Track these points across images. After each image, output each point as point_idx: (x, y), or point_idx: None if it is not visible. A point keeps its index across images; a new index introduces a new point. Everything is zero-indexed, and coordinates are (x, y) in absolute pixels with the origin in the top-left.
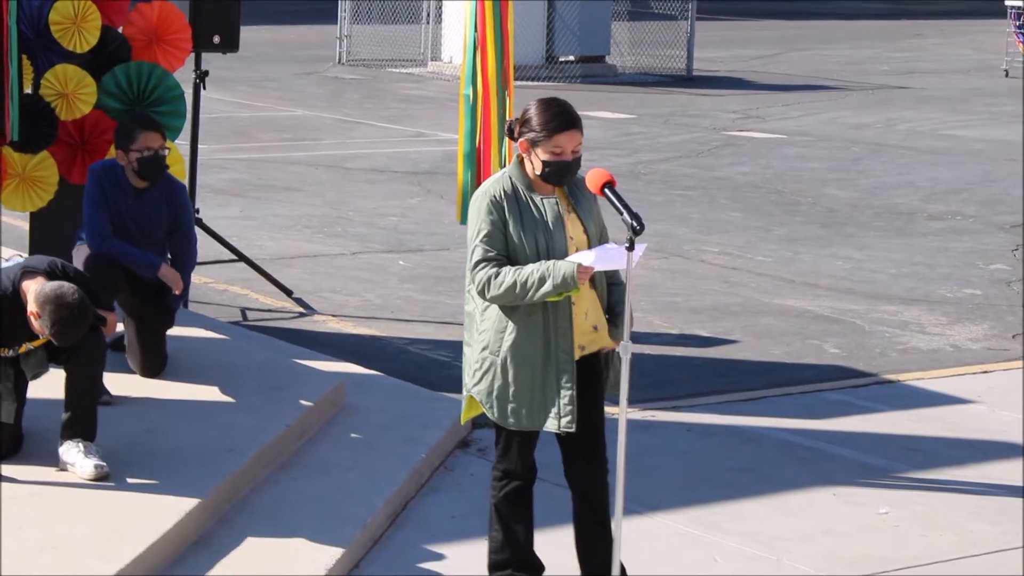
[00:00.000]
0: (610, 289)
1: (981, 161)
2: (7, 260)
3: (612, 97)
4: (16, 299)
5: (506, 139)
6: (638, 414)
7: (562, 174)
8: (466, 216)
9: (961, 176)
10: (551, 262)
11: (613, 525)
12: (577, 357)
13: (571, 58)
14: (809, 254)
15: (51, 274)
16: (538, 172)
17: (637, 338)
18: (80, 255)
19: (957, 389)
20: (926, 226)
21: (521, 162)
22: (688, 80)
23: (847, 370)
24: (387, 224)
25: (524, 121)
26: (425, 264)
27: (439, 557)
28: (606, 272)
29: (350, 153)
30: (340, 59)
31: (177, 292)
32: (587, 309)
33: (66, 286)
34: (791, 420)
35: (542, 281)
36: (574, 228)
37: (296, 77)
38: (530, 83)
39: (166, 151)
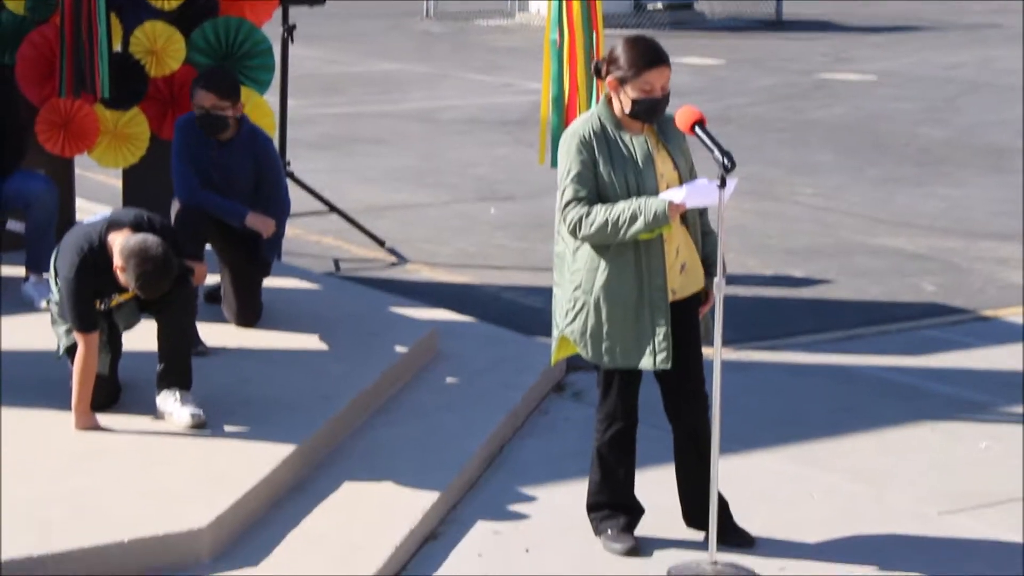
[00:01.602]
0: (703, 239)
1: None
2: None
3: (701, 43)
4: (103, 252)
5: (594, 82)
6: (733, 354)
7: (652, 111)
8: (552, 158)
9: None
10: (642, 199)
11: (712, 462)
12: (670, 300)
13: (659, 6)
14: (904, 194)
15: (137, 226)
16: (627, 110)
17: (731, 280)
18: (174, 209)
19: None
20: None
21: (609, 101)
22: (777, 24)
23: (945, 307)
24: (478, 173)
25: (612, 60)
26: (517, 212)
27: (534, 499)
28: (700, 217)
29: (439, 105)
30: (428, 12)
31: (267, 236)
32: (678, 246)
33: (150, 239)
34: (889, 358)
35: (633, 219)
36: (664, 165)
37: (384, 31)
38: (618, 31)
39: (223, 112)
